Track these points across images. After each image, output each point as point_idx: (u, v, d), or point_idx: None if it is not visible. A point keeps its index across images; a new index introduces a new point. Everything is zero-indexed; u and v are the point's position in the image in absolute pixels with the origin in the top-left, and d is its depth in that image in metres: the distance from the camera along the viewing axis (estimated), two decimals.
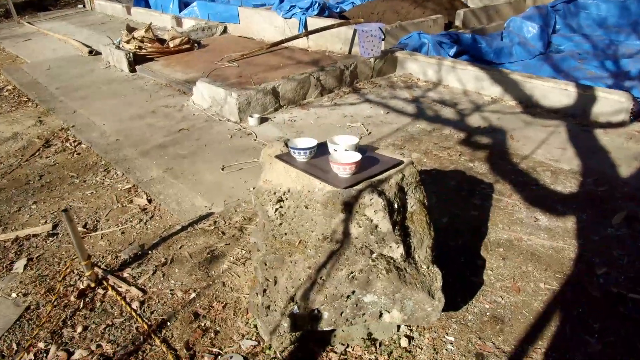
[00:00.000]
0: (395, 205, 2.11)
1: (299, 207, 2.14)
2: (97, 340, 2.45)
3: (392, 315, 2.14)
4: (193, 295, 2.72)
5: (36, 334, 2.50)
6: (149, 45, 7.33)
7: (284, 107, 5.55)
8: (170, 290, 2.76)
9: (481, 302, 2.58)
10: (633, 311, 2.46)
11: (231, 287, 2.76)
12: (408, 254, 2.13)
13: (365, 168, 2.22)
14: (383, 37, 6.24)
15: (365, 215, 2.04)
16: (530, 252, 2.93)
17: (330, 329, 2.19)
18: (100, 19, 12.25)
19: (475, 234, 3.12)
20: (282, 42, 7.07)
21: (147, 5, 11.71)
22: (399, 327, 2.37)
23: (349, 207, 2.03)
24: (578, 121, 4.85)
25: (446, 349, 2.29)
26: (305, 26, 7.23)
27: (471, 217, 3.31)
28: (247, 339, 2.40)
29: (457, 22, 7.95)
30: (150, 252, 3.13)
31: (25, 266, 3.05)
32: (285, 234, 2.22)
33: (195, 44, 7.78)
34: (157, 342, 2.40)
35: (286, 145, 2.54)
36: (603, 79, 5.88)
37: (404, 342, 2.31)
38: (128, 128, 5.21)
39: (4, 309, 2.69)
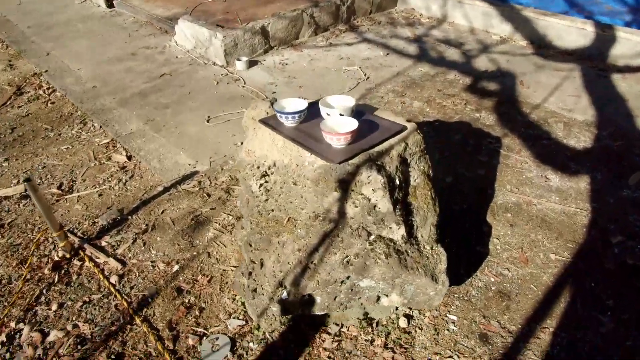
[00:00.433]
0: (397, 182, 1.84)
1: (287, 183, 1.88)
2: (74, 319, 2.27)
3: (391, 299, 1.95)
4: (176, 267, 2.52)
5: (8, 312, 2.32)
6: None
7: (275, 48, 5.10)
8: (152, 262, 2.56)
9: (486, 275, 2.40)
10: None
11: (217, 259, 2.56)
12: (410, 234, 1.90)
13: (364, 135, 1.93)
14: None
15: (362, 194, 1.78)
16: (540, 217, 2.71)
17: (323, 313, 2.01)
18: None
19: (481, 196, 2.88)
20: None
21: None
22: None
23: (343, 185, 1.77)
24: (594, 64, 4.46)
25: (448, 330, 2.13)
26: None
27: (477, 176, 3.06)
28: (234, 317, 2.23)
29: None
30: (130, 217, 2.90)
31: None
32: (272, 210, 1.98)
33: None
34: (138, 321, 2.23)
35: (272, 105, 2.22)
36: (621, 15, 5.39)
37: (402, 322, 2.14)
38: (106, 73, 4.80)
39: None
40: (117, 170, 3.35)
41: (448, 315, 2.19)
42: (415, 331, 2.13)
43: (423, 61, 4.69)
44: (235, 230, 2.23)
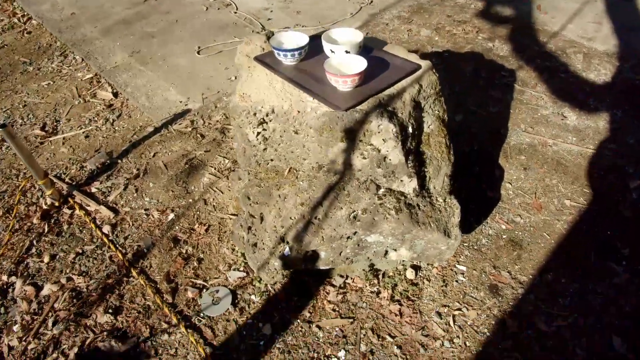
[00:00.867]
0: (410, 130, 1.66)
1: (287, 132, 1.69)
2: (67, 271, 2.18)
3: (400, 254, 1.85)
4: (171, 216, 2.40)
5: None
6: None
7: None
8: (145, 210, 2.43)
9: (497, 222, 2.29)
10: None
11: (214, 206, 2.43)
12: (422, 186, 1.75)
13: (372, 76, 1.71)
14: None
15: (371, 144, 1.61)
16: (555, 160, 2.55)
17: (327, 268, 1.91)
18: None
19: (494, 137, 2.70)
20: None
21: None
22: None
23: (351, 135, 1.58)
24: None
25: (457, 281, 2.06)
26: None
27: (489, 114, 2.85)
28: (235, 269, 2.14)
29: None
30: (119, 161, 2.73)
31: None
32: (271, 160, 1.81)
33: None
34: (134, 273, 2.14)
35: (268, 39, 1.97)
36: None
37: (410, 274, 2.06)
38: None
39: None
40: (103, 108, 3.12)
41: (457, 265, 2.11)
42: (423, 283, 2.05)
43: None
44: (231, 180, 2.08)
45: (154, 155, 2.73)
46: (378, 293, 2.02)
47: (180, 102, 3.10)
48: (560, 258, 2.12)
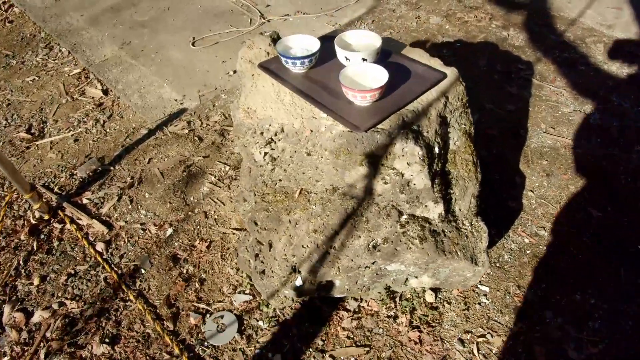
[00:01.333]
0: (436, 150, 1.48)
1: (298, 153, 1.51)
2: (59, 295, 2.02)
3: (421, 280, 1.70)
4: (170, 231, 2.23)
5: None
6: None
7: None
8: (141, 224, 2.26)
9: (520, 235, 2.13)
10: None
11: (215, 219, 2.26)
12: (447, 209, 1.58)
13: (393, 87, 1.52)
14: None
15: (394, 168, 1.43)
16: (580, 164, 2.39)
17: (342, 296, 1.76)
18: None
19: (513, 139, 2.53)
20: None
21: None
22: None
23: (371, 159, 1.41)
24: None
25: (479, 304, 1.91)
26: None
27: (507, 113, 2.67)
28: (240, 292, 1.99)
29: None
30: (112, 168, 2.54)
31: None
32: (280, 180, 1.63)
33: None
34: (132, 297, 1.99)
35: (273, 42, 1.77)
36: None
37: (429, 297, 1.92)
38: None
39: None
40: (93, 107, 2.91)
41: (479, 286, 1.96)
42: (443, 306, 1.91)
43: None
44: (236, 202, 1.90)
45: (148, 162, 2.55)
46: (395, 318, 1.88)
47: (176, 100, 2.89)
48: (588, 275, 1.98)
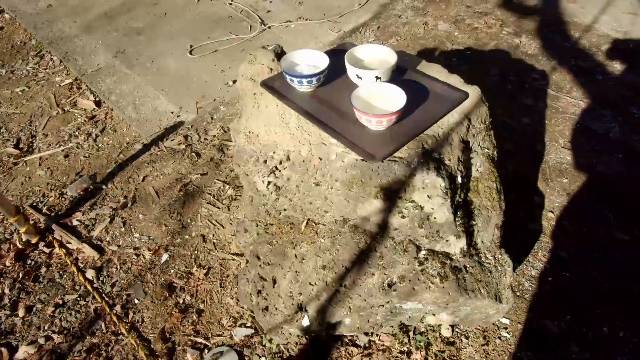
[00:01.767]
0: (459, 179, 1.34)
1: (306, 183, 1.36)
2: (46, 328, 1.88)
3: (439, 318, 1.55)
4: (165, 256, 2.08)
5: None
6: None
7: None
8: (135, 249, 2.11)
9: (540, 261, 1.99)
10: None
11: (214, 243, 2.11)
12: (469, 242, 1.44)
13: (411, 108, 1.38)
14: None
15: (413, 201, 1.29)
16: (602, 181, 2.25)
17: (352, 334, 1.62)
18: None
19: (530, 155, 2.39)
20: None
21: None
22: None
23: (387, 192, 1.26)
24: None
25: (500, 338, 1.77)
26: None
27: (522, 126, 2.53)
28: (241, 325, 1.84)
29: None
30: (104, 186, 2.39)
31: None
32: (285, 209, 1.49)
33: None
34: (124, 330, 1.84)
35: (276, 56, 1.62)
36: None
37: (445, 331, 1.77)
38: None
39: None
40: (85, 120, 2.76)
41: (499, 318, 1.81)
42: (461, 341, 1.76)
43: None
44: (237, 232, 1.76)
45: (143, 180, 2.40)
46: (409, 354, 1.73)
47: (172, 113, 2.75)
48: (616, 305, 1.84)
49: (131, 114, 2.75)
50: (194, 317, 1.87)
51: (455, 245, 1.38)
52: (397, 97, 1.32)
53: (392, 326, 1.75)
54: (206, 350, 1.78)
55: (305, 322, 1.46)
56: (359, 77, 1.43)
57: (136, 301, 1.93)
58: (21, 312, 1.92)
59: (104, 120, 2.75)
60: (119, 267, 2.05)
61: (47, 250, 2.15)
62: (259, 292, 1.52)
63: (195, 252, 2.09)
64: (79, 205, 2.31)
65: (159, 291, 1.96)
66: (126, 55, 3.17)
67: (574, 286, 1.90)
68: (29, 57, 3.29)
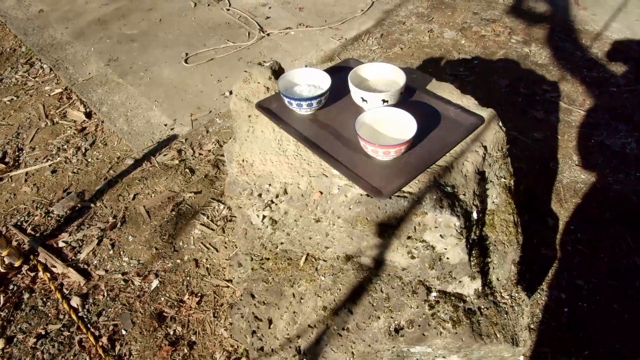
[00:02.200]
0: (474, 215, 1.21)
1: (305, 218, 1.24)
2: None
3: None
4: (155, 282, 1.95)
5: None
6: None
7: None
8: (123, 274, 1.99)
9: (555, 290, 1.86)
10: None
11: (207, 269, 1.99)
12: (484, 282, 1.31)
13: (422, 135, 1.25)
14: None
15: (424, 241, 1.16)
16: (620, 203, 2.12)
17: None
18: None
19: (542, 173, 2.26)
20: None
21: None
22: None
23: (395, 231, 1.13)
24: None
25: None
26: None
27: (533, 142, 2.40)
28: (235, 359, 1.71)
29: None
30: (92, 204, 2.26)
31: None
32: (282, 243, 1.36)
33: None
34: None
35: (274, 74, 1.49)
36: None
37: None
38: None
39: None
40: (74, 133, 2.64)
41: None
42: None
43: None
44: (229, 267, 1.63)
45: (134, 198, 2.27)
46: None
47: (165, 125, 2.62)
48: (637, 338, 1.71)
49: (123, 127, 2.62)
50: (185, 351, 1.75)
51: (469, 286, 1.26)
52: (406, 124, 1.19)
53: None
54: None
55: None
56: (364, 100, 1.30)
57: (124, 332, 1.81)
58: (0, 344, 1.80)
59: (94, 133, 2.63)
60: (106, 294, 1.93)
61: (30, 274, 2.02)
62: (254, 332, 1.40)
63: (188, 278, 1.96)
64: (65, 225, 2.19)
65: (148, 321, 1.83)
66: (119, 64, 3.04)
67: (592, 317, 1.78)
68: (19, 65, 3.16)
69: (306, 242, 1.32)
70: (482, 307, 1.30)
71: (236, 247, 1.68)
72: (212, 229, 2.11)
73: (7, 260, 2.04)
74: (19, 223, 2.21)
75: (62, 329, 1.83)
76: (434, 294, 1.25)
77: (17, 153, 2.56)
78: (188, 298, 1.89)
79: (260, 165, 1.25)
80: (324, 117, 1.35)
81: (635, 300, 1.81)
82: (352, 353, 1.29)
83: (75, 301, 1.91)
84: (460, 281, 1.24)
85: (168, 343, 1.77)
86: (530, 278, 1.88)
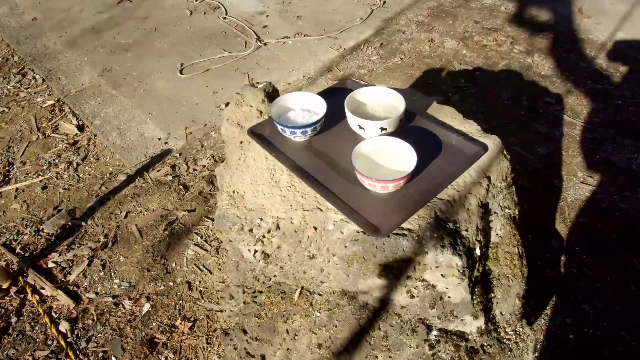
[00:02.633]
0: (478, 251, 1.15)
1: (299, 254, 1.17)
2: None
3: None
4: (147, 306, 1.89)
5: None
6: None
7: None
8: (114, 297, 1.93)
9: (559, 315, 1.80)
10: None
11: (201, 292, 1.93)
12: (487, 318, 1.25)
13: (422, 165, 1.19)
14: None
15: (424, 280, 1.10)
16: (627, 222, 2.06)
17: None
18: None
19: (546, 191, 2.20)
20: None
21: None
22: None
23: (394, 271, 1.07)
24: None
25: None
26: None
27: (537, 157, 2.34)
28: None
29: None
30: (83, 223, 2.20)
31: None
32: (275, 276, 1.30)
33: None
34: None
35: (268, 96, 1.43)
36: None
37: None
38: None
39: None
40: (66, 147, 2.58)
41: None
42: None
43: None
44: (221, 299, 1.57)
45: (126, 216, 2.21)
46: None
47: (159, 139, 2.56)
48: None
49: (115, 140, 2.56)
50: None
51: (472, 324, 1.19)
52: (405, 156, 1.13)
53: None
54: None
55: None
56: (361, 128, 1.24)
57: (113, 359, 1.75)
58: None
59: (86, 147, 2.57)
60: (95, 318, 1.86)
61: (19, 296, 1.96)
62: None
63: (180, 301, 1.90)
64: (55, 245, 2.13)
65: (139, 348, 1.77)
66: (112, 74, 2.98)
67: (598, 346, 1.71)
68: (11, 75, 3.11)
69: (300, 275, 1.25)
70: (485, 344, 1.24)
71: (228, 279, 1.62)
72: (205, 250, 2.04)
73: None
74: (7, 242, 2.15)
75: (51, 355, 1.77)
76: (434, 332, 1.19)
77: (7, 168, 2.50)
78: (180, 323, 1.83)
79: (252, 197, 1.19)
80: (320, 144, 1.29)
81: None
82: None
83: (64, 326, 1.85)
84: (462, 319, 1.18)
85: None
86: (533, 303, 1.82)
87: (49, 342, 1.81)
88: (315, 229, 1.12)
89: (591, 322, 1.77)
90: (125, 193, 2.31)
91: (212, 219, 2.16)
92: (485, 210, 1.20)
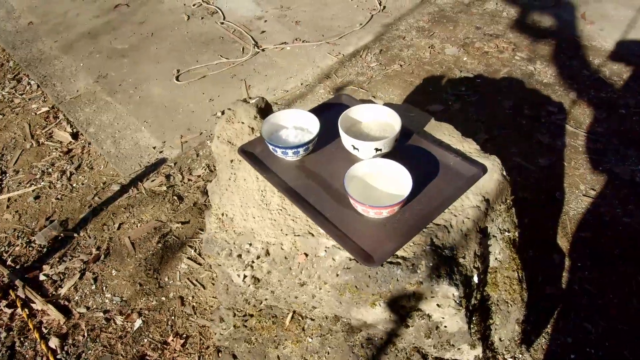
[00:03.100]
0: (476, 279, 1.10)
1: (289, 280, 1.13)
2: None
3: None
4: (138, 322, 1.85)
5: None
6: None
7: None
8: (105, 311, 1.89)
9: (560, 333, 1.75)
10: None
11: (194, 307, 1.88)
12: (485, 345, 1.20)
13: (418, 187, 1.14)
14: None
15: (419, 310, 1.05)
16: (630, 236, 2.01)
17: None
18: None
19: (548, 204, 2.15)
20: None
21: None
22: None
23: (388, 302, 1.03)
24: None
25: None
26: None
27: (538, 169, 2.29)
28: None
29: None
30: (76, 234, 2.17)
31: None
32: (266, 299, 1.25)
33: None
34: None
35: (260, 112, 1.39)
36: None
37: None
38: (45, 1, 3.73)
39: None
40: (60, 155, 2.54)
41: None
42: None
43: None
44: (211, 320, 1.53)
45: (119, 227, 2.17)
46: None
47: (154, 148, 2.52)
48: None
49: (110, 149, 2.52)
50: None
51: (469, 353, 1.15)
52: (400, 179, 1.09)
53: None
54: None
55: None
56: (355, 148, 1.19)
57: None
58: None
59: (80, 156, 2.53)
60: (86, 334, 1.83)
61: (8, 311, 1.92)
62: None
63: (172, 317, 1.86)
64: (47, 257, 2.09)
65: None
66: (108, 81, 2.94)
67: None
68: (6, 81, 3.07)
69: (292, 300, 1.21)
70: None
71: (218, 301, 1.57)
72: (199, 263, 2.00)
73: None
74: None
75: None
76: None
77: (0, 177, 2.46)
78: (172, 340, 1.79)
79: (241, 220, 1.15)
80: (312, 164, 1.25)
81: None
82: None
83: (54, 342, 1.81)
84: (459, 348, 1.14)
85: None
86: (533, 320, 1.77)
87: (38, 359, 1.77)
88: (306, 255, 1.08)
89: (593, 341, 1.73)
90: (119, 204, 2.27)
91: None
92: (483, 234, 1.16)
